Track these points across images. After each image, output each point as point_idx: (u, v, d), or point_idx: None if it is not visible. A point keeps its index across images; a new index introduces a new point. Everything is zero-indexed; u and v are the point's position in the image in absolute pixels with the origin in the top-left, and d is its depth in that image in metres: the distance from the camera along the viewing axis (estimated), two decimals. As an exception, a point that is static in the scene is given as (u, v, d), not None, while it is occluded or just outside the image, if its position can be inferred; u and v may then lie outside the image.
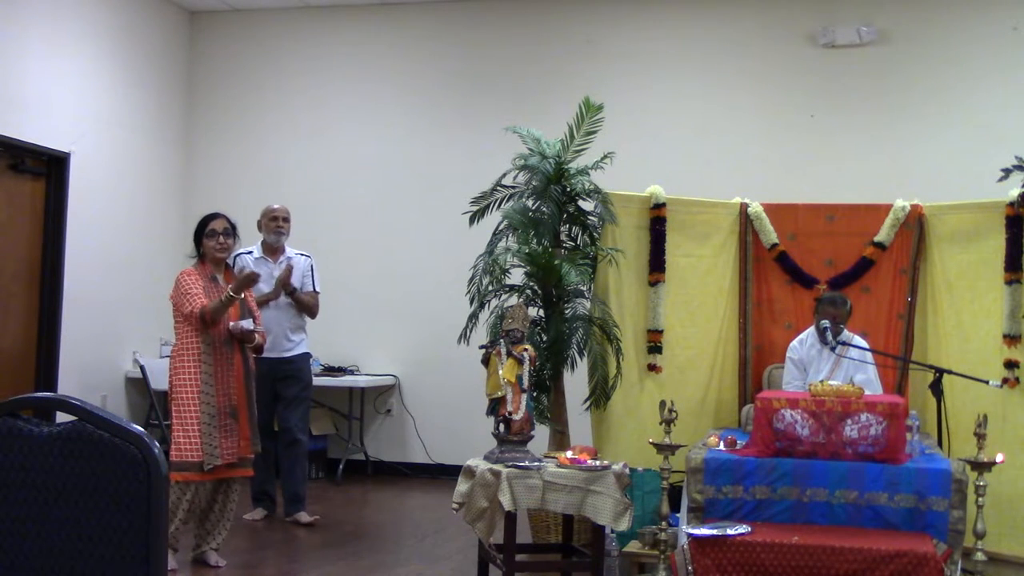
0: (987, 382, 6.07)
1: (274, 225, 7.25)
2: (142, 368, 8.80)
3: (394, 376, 9.34)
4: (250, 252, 7.23)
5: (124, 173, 9.20)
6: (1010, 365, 6.47)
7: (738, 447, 5.58)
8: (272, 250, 7.27)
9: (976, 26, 8.50)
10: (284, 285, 7.08)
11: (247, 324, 5.97)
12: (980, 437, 5.02)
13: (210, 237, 6.02)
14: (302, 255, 7.39)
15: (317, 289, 7.40)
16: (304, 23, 9.84)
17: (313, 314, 7.38)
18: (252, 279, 6.05)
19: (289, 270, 7.09)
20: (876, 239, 7.04)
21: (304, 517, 7.17)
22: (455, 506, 5.46)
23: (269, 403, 7.16)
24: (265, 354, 6.90)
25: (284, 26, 9.88)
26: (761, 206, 7.22)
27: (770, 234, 7.16)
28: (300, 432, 7.33)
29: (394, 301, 9.23)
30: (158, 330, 9.08)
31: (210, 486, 5.97)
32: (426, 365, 9.28)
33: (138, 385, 9.03)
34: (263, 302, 6.95)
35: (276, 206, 7.33)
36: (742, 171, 8.57)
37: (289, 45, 9.89)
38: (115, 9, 9.06)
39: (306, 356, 7.43)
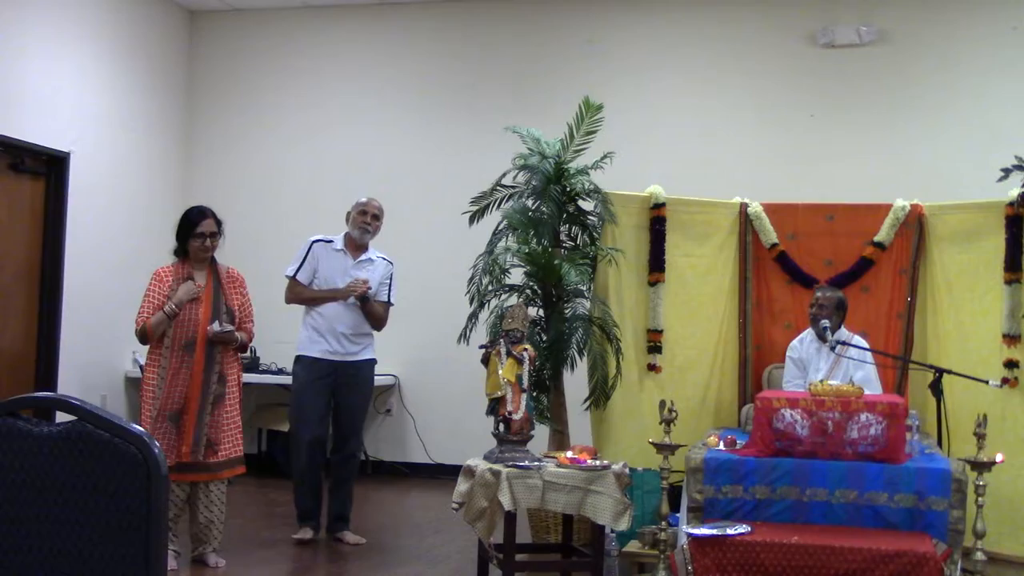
0: (987, 382, 6.07)
1: (361, 220, 6.69)
2: (142, 368, 8.76)
3: (394, 376, 9.35)
4: (330, 241, 6.76)
5: (124, 173, 9.20)
6: (1010, 365, 6.49)
7: (738, 447, 5.58)
8: (356, 246, 6.73)
9: (976, 26, 8.51)
10: (357, 297, 6.58)
11: (215, 327, 5.86)
12: (980, 437, 5.02)
13: (197, 238, 5.92)
14: (385, 259, 6.85)
15: (392, 301, 6.85)
16: (304, 23, 9.85)
17: (380, 327, 6.81)
18: (189, 295, 5.84)
19: (365, 288, 6.56)
20: (876, 239, 7.04)
21: (351, 537, 6.67)
22: (455, 506, 5.46)
23: (324, 412, 6.67)
24: (328, 356, 6.61)
25: (284, 25, 9.89)
26: (761, 206, 7.22)
27: (770, 234, 7.16)
28: (357, 447, 6.91)
29: (394, 300, 9.23)
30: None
31: (183, 489, 5.92)
32: (426, 365, 9.28)
33: (138, 385, 8.98)
34: (330, 297, 6.61)
35: (366, 199, 6.79)
36: (742, 171, 8.58)
37: (289, 45, 9.89)
38: (115, 9, 9.06)
39: (372, 363, 6.85)
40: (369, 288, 6.62)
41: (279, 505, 7.83)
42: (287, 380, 8.41)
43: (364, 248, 6.80)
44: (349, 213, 6.81)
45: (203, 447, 5.85)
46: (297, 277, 6.71)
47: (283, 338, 7.58)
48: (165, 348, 5.85)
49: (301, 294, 6.73)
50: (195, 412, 5.84)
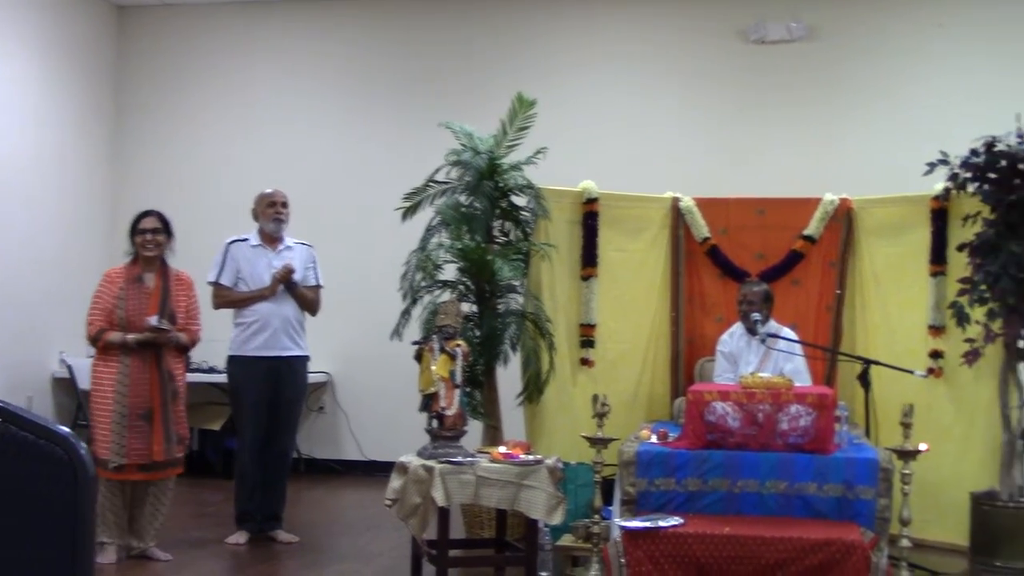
0: (913, 372, 6.18)
1: (272, 212, 6.65)
2: (69, 368, 8.66)
3: (326, 373, 9.30)
4: (245, 239, 6.68)
5: (51, 171, 9.03)
6: (935, 355, 6.61)
7: (670, 440, 5.63)
8: (271, 239, 6.68)
9: (903, 22, 8.64)
10: (283, 281, 6.55)
11: (153, 320, 5.93)
12: (906, 426, 5.11)
13: (139, 234, 6.08)
14: (303, 244, 6.83)
15: (320, 283, 6.83)
16: (235, 18, 9.74)
17: (314, 311, 6.82)
18: (163, 338, 6.01)
19: (288, 271, 6.55)
20: (805, 232, 7.14)
21: (283, 536, 6.65)
22: (388, 502, 5.46)
23: (264, 411, 6.57)
24: (262, 353, 6.56)
25: (214, 21, 9.78)
26: (693, 200, 7.29)
27: (701, 228, 7.23)
28: (290, 446, 6.89)
29: (327, 297, 9.13)
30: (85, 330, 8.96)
31: (129, 488, 5.99)
32: (359, 361, 9.24)
33: (65, 385, 8.89)
34: (257, 298, 6.56)
35: (271, 190, 6.77)
36: (674, 166, 8.63)
37: (219, 41, 9.78)
38: (40, 4, 8.89)
39: (306, 359, 6.82)
40: (293, 271, 6.60)
41: (210, 505, 7.77)
42: (219, 379, 8.34)
43: (280, 239, 6.75)
44: (255, 209, 6.78)
45: (175, 443, 6.04)
46: (221, 281, 6.65)
47: (214, 336, 7.49)
48: (123, 351, 5.96)
49: (228, 297, 6.67)
50: (160, 409, 5.97)
